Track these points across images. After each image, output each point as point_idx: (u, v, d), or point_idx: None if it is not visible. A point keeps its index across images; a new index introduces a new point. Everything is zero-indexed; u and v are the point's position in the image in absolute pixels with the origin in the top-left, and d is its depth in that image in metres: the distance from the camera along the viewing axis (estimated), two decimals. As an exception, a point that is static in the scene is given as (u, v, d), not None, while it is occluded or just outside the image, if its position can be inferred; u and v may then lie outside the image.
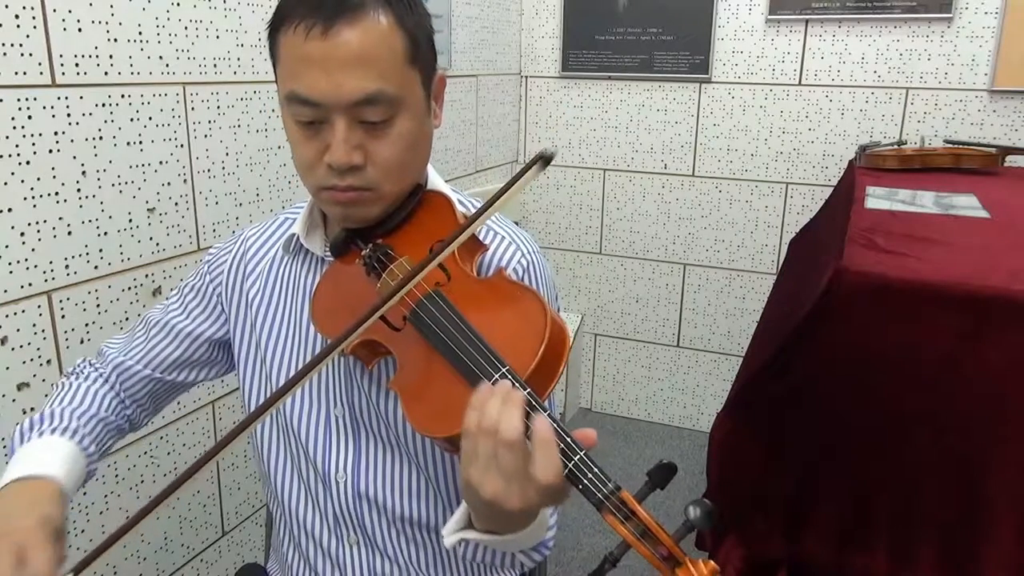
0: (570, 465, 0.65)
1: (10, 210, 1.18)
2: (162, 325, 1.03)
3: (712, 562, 0.60)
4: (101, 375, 1.02)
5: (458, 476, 0.93)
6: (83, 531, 1.36)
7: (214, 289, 1.02)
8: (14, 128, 1.17)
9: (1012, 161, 2.29)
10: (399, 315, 0.78)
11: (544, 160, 0.71)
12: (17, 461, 0.86)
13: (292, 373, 0.96)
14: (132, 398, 1.03)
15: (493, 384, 0.69)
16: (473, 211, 0.94)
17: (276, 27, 0.82)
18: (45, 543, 0.75)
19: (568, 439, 0.66)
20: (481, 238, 0.89)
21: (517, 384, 0.68)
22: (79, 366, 1.04)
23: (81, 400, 0.98)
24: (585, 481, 0.64)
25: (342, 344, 0.74)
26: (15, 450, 0.89)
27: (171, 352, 1.03)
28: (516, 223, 0.98)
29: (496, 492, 0.66)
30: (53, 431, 0.90)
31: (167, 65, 1.40)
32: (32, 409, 1.25)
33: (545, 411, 0.67)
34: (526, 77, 2.96)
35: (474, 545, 0.76)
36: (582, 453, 0.65)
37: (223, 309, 1.02)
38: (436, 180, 0.95)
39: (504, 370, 0.68)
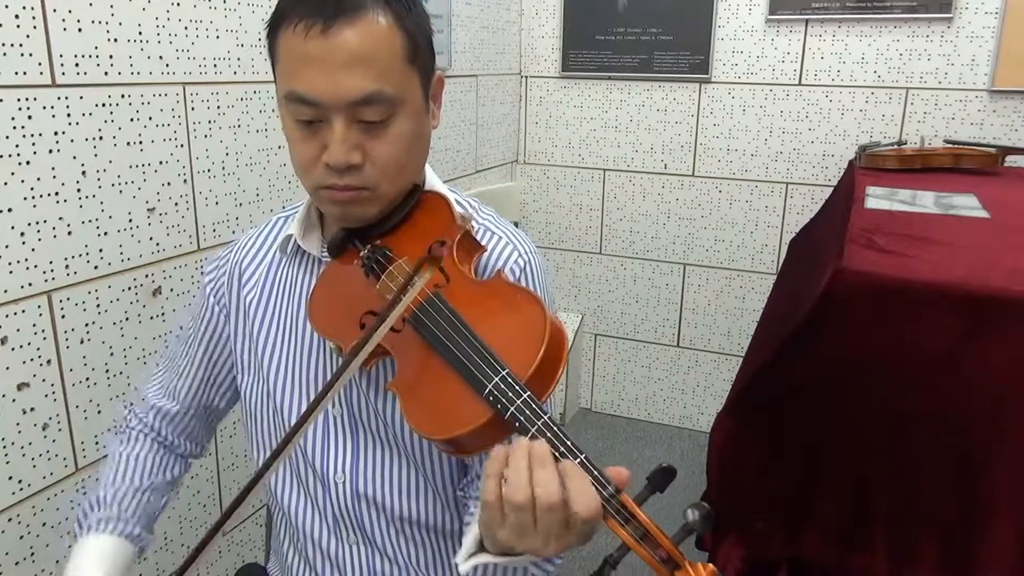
0: None
1: (10, 210, 1.18)
2: (184, 356, 1.06)
3: (711, 565, 0.60)
4: (145, 426, 1.06)
5: (455, 472, 0.93)
6: (83, 531, 1.36)
7: (219, 307, 1.03)
8: (14, 128, 1.17)
9: (1012, 161, 2.28)
10: (399, 318, 0.78)
11: (434, 260, 0.73)
12: (70, 566, 0.93)
13: (290, 373, 0.96)
14: (182, 435, 1.08)
15: (487, 394, 0.68)
16: (470, 211, 0.94)
17: (275, 26, 0.82)
18: None
19: (568, 443, 0.66)
20: (478, 239, 0.89)
21: (518, 387, 0.67)
22: (126, 418, 1.08)
23: (124, 475, 1.02)
24: None
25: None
26: (78, 537, 0.96)
27: (197, 379, 1.05)
28: (516, 224, 0.98)
29: (532, 548, 0.65)
30: (99, 523, 0.96)
31: (167, 65, 1.40)
32: (32, 410, 1.25)
33: (545, 414, 0.67)
34: (526, 77, 2.96)
35: (483, 567, 0.76)
36: (582, 456, 0.65)
37: (227, 323, 1.03)
38: (434, 180, 0.95)
39: (504, 373, 0.68)
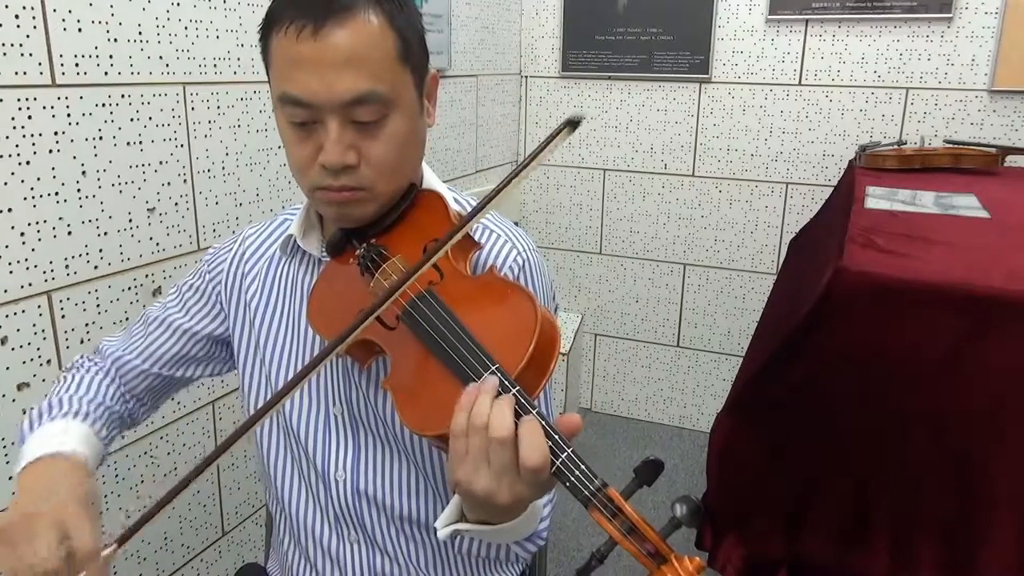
0: (557, 463, 0.65)
1: (10, 210, 1.18)
2: (160, 322, 1.04)
3: (697, 559, 0.61)
4: (101, 368, 1.03)
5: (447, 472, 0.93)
6: (83, 531, 1.36)
7: (213, 288, 1.03)
8: (14, 128, 1.17)
9: (1012, 161, 2.28)
10: (392, 314, 0.78)
11: (572, 125, 0.70)
12: (35, 443, 0.87)
13: (292, 373, 0.96)
14: (131, 392, 1.04)
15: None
16: (468, 210, 0.94)
17: (267, 29, 0.82)
18: (86, 518, 0.76)
19: (556, 436, 0.66)
20: (477, 237, 0.89)
21: (507, 382, 0.68)
22: (77, 361, 1.05)
23: (87, 389, 0.98)
24: (572, 478, 0.64)
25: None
26: (26, 438, 0.90)
27: (169, 348, 1.03)
28: (515, 223, 0.98)
29: (487, 487, 0.67)
30: (64, 415, 0.91)
31: (167, 65, 1.40)
32: (32, 410, 1.24)
33: (534, 409, 0.67)
34: (526, 77, 2.96)
35: (468, 538, 0.77)
36: (569, 451, 0.65)
37: (222, 307, 1.02)
38: (431, 179, 0.96)
39: (494, 368, 0.69)
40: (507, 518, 0.73)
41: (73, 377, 1.00)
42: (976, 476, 1.20)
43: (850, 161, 2.41)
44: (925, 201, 1.76)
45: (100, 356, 1.05)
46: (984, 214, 1.63)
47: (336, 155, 0.80)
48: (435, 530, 0.95)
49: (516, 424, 0.66)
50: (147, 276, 1.42)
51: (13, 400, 1.22)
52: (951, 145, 2.29)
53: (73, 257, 1.28)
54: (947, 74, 2.45)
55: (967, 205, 1.72)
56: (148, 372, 1.03)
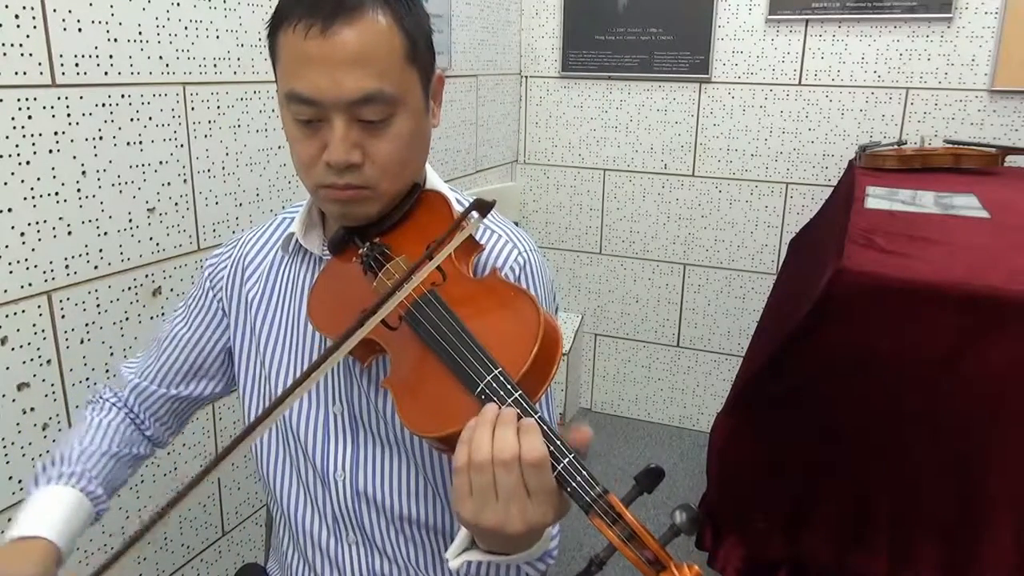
0: (559, 468, 0.65)
1: (10, 210, 1.18)
2: (170, 339, 1.05)
3: (696, 567, 0.61)
4: (119, 400, 1.04)
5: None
6: (83, 531, 1.36)
7: (215, 297, 1.03)
8: (14, 128, 1.17)
9: (1012, 161, 2.28)
10: (395, 315, 0.78)
11: (481, 209, 0.74)
12: (24, 512, 0.89)
13: (292, 372, 0.96)
14: (153, 417, 1.05)
15: (479, 393, 0.69)
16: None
17: (275, 26, 0.83)
18: None
19: (558, 442, 0.66)
20: (478, 237, 0.89)
21: (509, 386, 0.68)
22: (99, 392, 1.06)
23: (92, 438, 0.99)
24: (574, 484, 0.64)
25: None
26: (31, 492, 0.92)
27: (181, 364, 1.04)
28: (516, 223, 0.98)
29: (497, 520, 0.66)
30: (60, 477, 0.93)
31: (167, 65, 1.40)
32: (32, 410, 1.25)
33: (535, 414, 0.67)
34: (526, 77, 2.96)
35: (478, 564, 0.76)
36: (571, 456, 0.65)
37: (225, 315, 1.02)
38: (434, 179, 0.96)
39: (496, 372, 0.68)
40: (520, 548, 0.72)
41: (87, 420, 1.02)
42: (976, 476, 1.20)
43: (850, 161, 2.41)
44: (925, 201, 1.76)
45: (120, 384, 1.06)
46: (984, 214, 1.63)
47: (341, 153, 0.80)
48: (435, 531, 0.95)
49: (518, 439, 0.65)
50: (147, 276, 1.42)
51: (13, 400, 1.22)
52: (951, 145, 2.29)
53: (73, 257, 1.28)
54: (947, 74, 2.45)
55: (967, 205, 1.72)
56: (167, 396, 1.05)
